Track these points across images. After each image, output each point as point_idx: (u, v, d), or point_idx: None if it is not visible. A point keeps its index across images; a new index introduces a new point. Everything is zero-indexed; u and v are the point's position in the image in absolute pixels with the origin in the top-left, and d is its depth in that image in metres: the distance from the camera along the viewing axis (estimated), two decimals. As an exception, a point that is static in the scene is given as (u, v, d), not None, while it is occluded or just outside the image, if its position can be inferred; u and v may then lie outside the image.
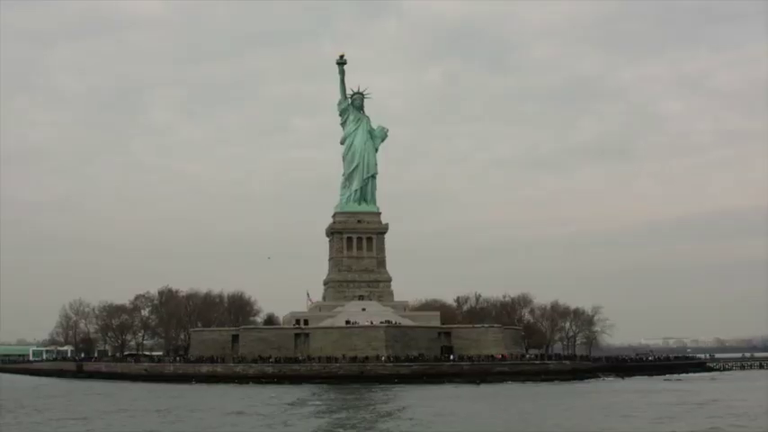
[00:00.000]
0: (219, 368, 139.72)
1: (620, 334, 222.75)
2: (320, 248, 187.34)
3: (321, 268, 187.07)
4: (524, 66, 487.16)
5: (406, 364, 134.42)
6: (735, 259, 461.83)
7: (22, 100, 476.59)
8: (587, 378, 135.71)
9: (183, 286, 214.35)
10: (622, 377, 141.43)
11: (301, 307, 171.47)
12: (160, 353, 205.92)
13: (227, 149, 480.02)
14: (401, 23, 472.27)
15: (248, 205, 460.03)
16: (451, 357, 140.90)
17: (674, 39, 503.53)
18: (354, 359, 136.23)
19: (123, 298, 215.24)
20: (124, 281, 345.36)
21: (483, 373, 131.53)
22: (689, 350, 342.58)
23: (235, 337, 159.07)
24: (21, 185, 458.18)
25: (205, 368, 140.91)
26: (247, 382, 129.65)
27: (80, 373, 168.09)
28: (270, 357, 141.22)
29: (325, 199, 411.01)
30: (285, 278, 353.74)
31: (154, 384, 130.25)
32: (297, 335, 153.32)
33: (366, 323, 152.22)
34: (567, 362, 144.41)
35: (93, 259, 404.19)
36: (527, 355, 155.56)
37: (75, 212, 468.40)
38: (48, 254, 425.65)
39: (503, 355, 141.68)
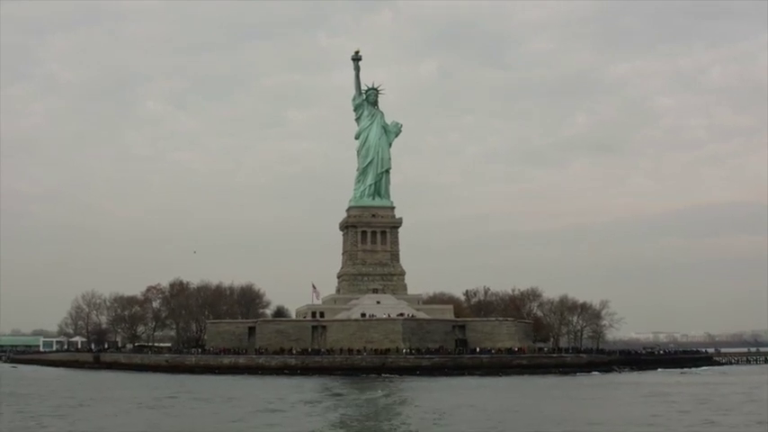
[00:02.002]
0: (242, 360, 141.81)
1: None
2: (319, 241, 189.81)
3: (324, 260, 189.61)
4: (520, 60, 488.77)
5: (427, 356, 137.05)
6: (726, 254, 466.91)
7: (15, 89, 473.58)
8: (603, 371, 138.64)
9: (188, 278, 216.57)
10: (637, 370, 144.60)
11: (305, 299, 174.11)
12: (168, 344, 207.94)
13: (221, 141, 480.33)
14: (397, 16, 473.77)
15: (244, 198, 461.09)
16: (477, 350, 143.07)
17: (670, 34, 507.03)
18: (376, 351, 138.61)
19: (122, 289, 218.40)
20: (120, 273, 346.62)
21: (501, 365, 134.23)
22: (671, 345, 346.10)
23: (251, 329, 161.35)
24: (12, 176, 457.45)
25: (227, 359, 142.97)
26: (270, 374, 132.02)
27: (97, 364, 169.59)
28: (291, 349, 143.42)
29: (322, 192, 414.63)
30: (286, 270, 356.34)
31: (181, 375, 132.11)
32: (314, 327, 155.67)
33: (383, 316, 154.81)
34: (584, 355, 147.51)
35: (87, 251, 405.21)
36: (544, 348, 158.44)
37: (67, 204, 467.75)
38: (41, 245, 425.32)
39: (520, 348, 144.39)
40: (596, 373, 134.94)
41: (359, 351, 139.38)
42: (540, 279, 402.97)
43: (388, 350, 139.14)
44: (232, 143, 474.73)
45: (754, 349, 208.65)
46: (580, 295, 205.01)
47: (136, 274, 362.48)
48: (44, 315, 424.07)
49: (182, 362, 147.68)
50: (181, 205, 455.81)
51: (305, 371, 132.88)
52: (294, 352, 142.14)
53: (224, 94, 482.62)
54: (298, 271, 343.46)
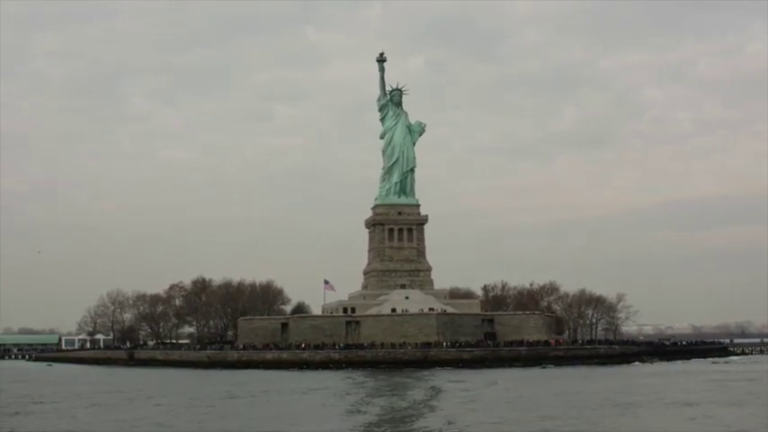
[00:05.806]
0: (285, 355, 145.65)
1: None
2: (318, 236, 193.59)
3: (325, 255, 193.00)
4: (509, 53, 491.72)
5: (468, 349, 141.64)
6: (712, 247, 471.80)
7: (4, 86, 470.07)
8: (634, 361, 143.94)
9: (183, 276, 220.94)
10: (664, 361, 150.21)
11: (313, 293, 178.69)
12: (187, 341, 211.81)
13: (209, 137, 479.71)
14: (386, 10, 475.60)
15: (237, 195, 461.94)
16: (520, 342, 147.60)
17: (658, 27, 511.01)
18: (417, 345, 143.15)
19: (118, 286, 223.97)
20: (118, 272, 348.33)
21: (539, 357, 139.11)
22: (642, 336, 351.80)
23: (284, 325, 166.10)
24: (5, 174, 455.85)
25: (270, 355, 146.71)
26: (314, 368, 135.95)
27: (131, 362, 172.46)
28: (334, 344, 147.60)
29: (319, 187, 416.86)
30: (286, 266, 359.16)
31: (226, 371, 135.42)
32: (347, 322, 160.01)
33: (414, 311, 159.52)
34: (616, 347, 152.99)
35: (81, 248, 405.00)
36: (579, 341, 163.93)
37: (60, 201, 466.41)
38: (33, 243, 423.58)
39: (557, 341, 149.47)
40: (636, 363, 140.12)
41: (401, 345, 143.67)
42: (536, 273, 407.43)
43: (429, 344, 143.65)
44: (220, 139, 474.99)
45: (767, 340, 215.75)
46: (571, 289, 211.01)
47: (134, 272, 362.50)
48: (31, 313, 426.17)
49: (224, 358, 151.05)
50: (173, 203, 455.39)
51: (349, 365, 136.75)
52: (337, 347, 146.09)
53: (212, 90, 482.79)
54: (298, 266, 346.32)
